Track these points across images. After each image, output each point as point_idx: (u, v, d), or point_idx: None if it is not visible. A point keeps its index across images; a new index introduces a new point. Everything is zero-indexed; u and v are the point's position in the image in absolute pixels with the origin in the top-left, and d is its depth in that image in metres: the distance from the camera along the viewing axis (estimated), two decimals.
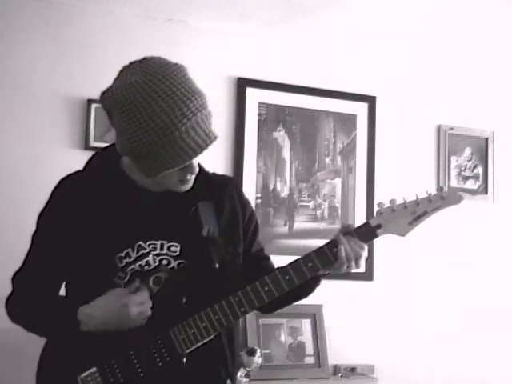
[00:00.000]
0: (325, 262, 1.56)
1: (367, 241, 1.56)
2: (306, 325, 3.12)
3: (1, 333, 2.62)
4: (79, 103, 2.89)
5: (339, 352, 3.13)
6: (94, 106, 2.87)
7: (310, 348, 3.09)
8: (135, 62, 1.49)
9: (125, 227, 1.54)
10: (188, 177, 1.53)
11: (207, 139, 1.43)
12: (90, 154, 2.83)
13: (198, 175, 1.57)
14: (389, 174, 3.40)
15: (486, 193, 3.58)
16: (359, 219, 3.32)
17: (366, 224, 1.56)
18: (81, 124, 2.89)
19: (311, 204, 3.28)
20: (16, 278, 1.66)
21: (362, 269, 3.29)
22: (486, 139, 3.61)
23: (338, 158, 3.35)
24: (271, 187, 3.21)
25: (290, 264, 1.57)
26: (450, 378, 3.35)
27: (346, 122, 3.36)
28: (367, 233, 1.56)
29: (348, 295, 3.22)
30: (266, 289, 1.53)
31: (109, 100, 1.48)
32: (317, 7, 2.93)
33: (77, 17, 2.92)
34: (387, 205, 1.55)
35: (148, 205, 1.57)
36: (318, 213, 3.29)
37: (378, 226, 1.54)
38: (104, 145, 2.88)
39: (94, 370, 1.52)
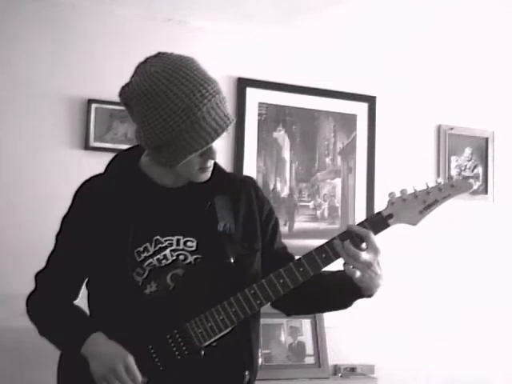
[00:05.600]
0: (337, 253, 1.56)
1: (379, 231, 1.56)
2: (306, 325, 3.11)
3: (1, 333, 2.62)
4: (79, 103, 2.89)
5: (339, 352, 3.13)
6: (94, 106, 2.88)
7: (310, 348, 3.09)
8: (150, 57, 1.54)
9: (143, 223, 1.57)
10: (208, 164, 1.56)
11: (226, 120, 1.50)
12: (90, 154, 2.90)
13: (213, 171, 1.61)
14: (389, 174, 3.39)
15: (486, 193, 3.58)
16: (359, 219, 3.31)
17: (378, 214, 1.57)
18: (81, 124, 2.89)
19: (311, 204, 3.28)
20: (39, 276, 1.68)
21: None
22: (486, 139, 3.61)
23: (338, 158, 3.35)
24: (271, 187, 3.21)
25: (303, 256, 1.58)
26: (450, 377, 3.35)
27: (346, 122, 3.36)
28: (379, 223, 1.56)
29: None
30: (282, 281, 1.54)
31: (129, 94, 1.52)
32: (317, 7, 2.93)
33: (77, 17, 2.91)
34: (398, 195, 1.55)
35: (165, 201, 1.61)
36: (318, 213, 3.29)
37: (390, 216, 1.55)
38: (104, 145, 2.94)
39: None
